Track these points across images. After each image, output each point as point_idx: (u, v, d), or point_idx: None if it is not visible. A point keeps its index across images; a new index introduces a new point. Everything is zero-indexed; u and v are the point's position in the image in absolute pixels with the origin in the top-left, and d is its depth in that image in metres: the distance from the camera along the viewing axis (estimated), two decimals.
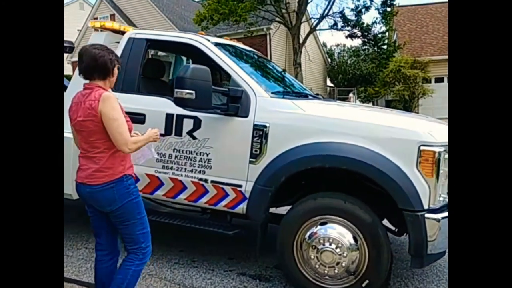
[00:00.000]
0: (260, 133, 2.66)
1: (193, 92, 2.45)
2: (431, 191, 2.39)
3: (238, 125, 2.72)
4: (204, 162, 2.81)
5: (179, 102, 2.50)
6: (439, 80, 18.26)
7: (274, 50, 21.39)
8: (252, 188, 2.69)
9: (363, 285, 2.45)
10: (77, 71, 2.14)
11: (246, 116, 2.70)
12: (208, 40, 3.02)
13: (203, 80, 2.49)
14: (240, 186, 2.74)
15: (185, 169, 2.86)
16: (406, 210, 2.37)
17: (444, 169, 2.42)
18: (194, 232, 3.06)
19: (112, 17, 22.71)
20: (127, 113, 2.96)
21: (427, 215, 2.36)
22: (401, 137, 2.44)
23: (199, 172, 2.83)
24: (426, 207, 2.38)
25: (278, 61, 21.34)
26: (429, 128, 2.52)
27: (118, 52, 3.11)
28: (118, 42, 3.18)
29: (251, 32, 15.72)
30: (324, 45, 30.71)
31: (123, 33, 3.21)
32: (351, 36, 15.71)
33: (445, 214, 2.42)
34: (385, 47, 16.03)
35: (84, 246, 3.32)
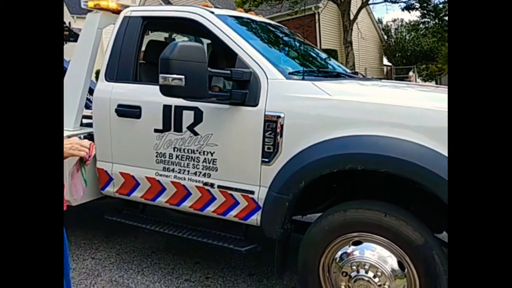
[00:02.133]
0: (274, 125, 2.09)
1: (182, 77, 1.93)
2: None
3: (246, 116, 2.16)
4: (209, 163, 2.30)
5: (166, 90, 1.99)
6: None
7: (323, 29, 20.31)
8: (266, 195, 2.14)
9: None
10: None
11: (256, 105, 2.14)
12: (212, 13, 2.47)
13: (195, 61, 1.96)
14: (252, 192, 2.20)
15: (188, 171, 2.38)
16: None
17: None
18: (216, 247, 2.59)
19: None
20: (121, 106, 2.58)
21: None
22: None
23: (204, 175, 2.33)
24: None
25: (329, 42, 20.25)
26: None
27: (113, 35, 2.70)
28: None
29: (295, 11, 14.82)
30: (379, 21, 28.70)
31: (119, 12, 2.77)
32: (408, 8, 14.22)
33: None
34: (447, 18, 14.31)
35: (91, 255, 3.00)
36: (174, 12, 2.67)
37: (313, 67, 2.69)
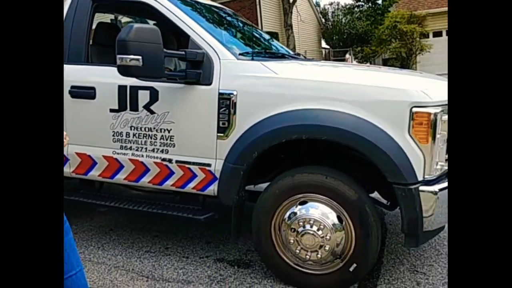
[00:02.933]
0: (227, 102, 2.28)
1: (140, 57, 2.05)
2: (426, 159, 2.04)
3: (201, 94, 2.33)
4: (166, 139, 2.45)
5: (124, 70, 2.09)
6: (437, 34, 17.55)
7: (264, 12, 20.50)
8: (222, 166, 2.34)
9: (351, 269, 2.16)
10: None
11: (210, 84, 2.31)
12: None
13: (151, 43, 2.08)
14: (208, 165, 2.39)
15: (146, 148, 2.50)
16: (397, 183, 2.03)
17: (442, 133, 2.07)
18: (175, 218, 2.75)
19: None
20: (74, 87, 2.61)
21: (421, 187, 2.03)
22: (389, 98, 2.06)
23: (162, 151, 2.47)
24: (420, 178, 2.04)
25: (270, 24, 20.51)
26: (424, 86, 2.14)
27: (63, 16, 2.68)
28: None
29: None
30: (317, 4, 29.51)
31: None
32: None
33: (444, 184, 2.09)
34: (379, 2, 15.23)
35: (88, 258, 2.86)
36: None
37: (260, 48, 2.90)
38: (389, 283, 2.32)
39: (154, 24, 3.25)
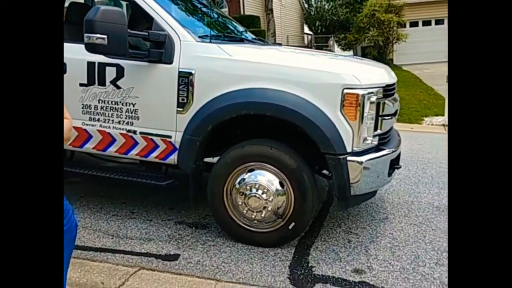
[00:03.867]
0: (186, 80, 2.55)
1: (105, 36, 2.28)
2: (355, 134, 2.38)
3: (163, 72, 2.59)
4: (131, 113, 2.70)
5: (91, 48, 2.33)
6: (413, 24, 18.01)
7: None
8: (182, 138, 2.63)
9: (290, 227, 2.50)
10: None
11: (171, 63, 2.57)
12: None
13: (116, 23, 2.31)
14: (169, 136, 2.67)
15: (113, 120, 2.75)
16: (329, 154, 2.36)
17: (370, 111, 2.40)
18: (140, 184, 3.04)
19: None
20: None
21: (349, 158, 2.37)
22: (325, 80, 2.38)
23: (127, 123, 2.73)
24: (349, 150, 2.38)
25: (252, 8, 20.52)
26: (354, 70, 2.46)
27: None
28: None
29: None
30: None
31: None
32: None
33: (370, 156, 2.44)
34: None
35: None
36: None
37: (221, 33, 3.16)
38: (324, 241, 2.68)
39: (126, 6, 3.46)
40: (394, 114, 2.78)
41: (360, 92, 2.34)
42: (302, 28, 28.50)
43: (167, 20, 2.63)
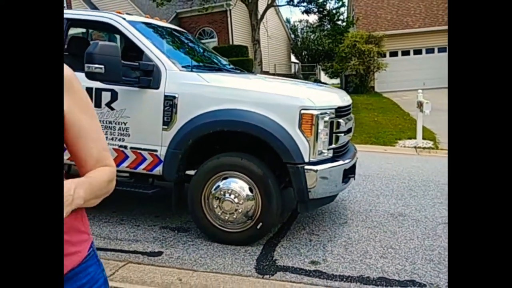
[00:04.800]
0: (170, 102, 3.02)
1: (102, 66, 2.76)
2: (311, 147, 2.85)
3: (151, 96, 3.06)
4: (123, 130, 3.15)
5: (90, 76, 2.81)
6: (393, 54, 19.00)
7: (235, 26, 21.47)
8: (166, 152, 3.07)
9: (258, 227, 2.92)
10: None
11: (158, 88, 3.05)
12: (124, 19, 3.30)
13: (111, 56, 2.80)
14: (155, 150, 3.11)
15: (107, 137, 3.19)
16: (289, 163, 2.83)
17: (324, 128, 2.89)
18: (129, 195, 3.46)
19: None
20: None
21: (306, 167, 2.83)
22: (286, 102, 2.87)
23: (119, 139, 3.17)
24: (306, 160, 2.85)
25: (240, 38, 21.49)
26: (310, 94, 2.96)
27: None
28: None
29: (205, 8, 15.73)
30: (288, 21, 30.95)
31: None
32: (307, 12, 16.03)
33: (325, 166, 2.91)
34: (339, 23, 16.47)
35: None
36: (93, 16, 3.43)
37: (201, 63, 3.67)
38: (289, 240, 3.10)
39: (120, 39, 3.98)
40: (348, 132, 3.26)
41: (315, 112, 2.83)
42: (289, 57, 29.63)
43: (155, 52, 3.13)
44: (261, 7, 16.97)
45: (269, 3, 16.78)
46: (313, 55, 29.88)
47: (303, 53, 30.68)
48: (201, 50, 4.13)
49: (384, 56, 18.37)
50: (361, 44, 16.92)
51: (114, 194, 3.25)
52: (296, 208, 3.08)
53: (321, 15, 16.41)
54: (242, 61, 18.53)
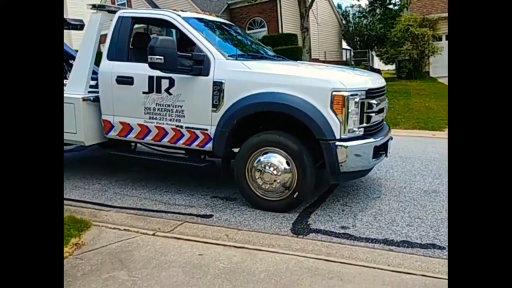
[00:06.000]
0: (218, 88, 3.48)
1: (162, 57, 3.28)
2: (342, 125, 3.17)
3: (202, 82, 3.54)
4: (179, 112, 3.67)
5: (152, 65, 3.34)
6: None
7: (285, 15, 21.64)
8: (215, 130, 3.54)
9: (294, 196, 3.31)
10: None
11: (208, 75, 3.52)
12: (179, 15, 3.81)
13: (169, 48, 3.31)
14: (206, 130, 3.60)
15: (166, 118, 3.74)
16: (321, 139, 3.17)
17: (354, 109, 3.19)
18: (184, 170, 4.01)
19: None
20: (119, 76, 3.87)
21: (337, 143, 3.16)
22: (319, 85, 3.21)
23: (176, 120, 3.70)
24: (338, 137, 3.17)
25: (290, 26, 21.62)
26: (342, 78, 3.26)
27: (111, 29, 3.97)
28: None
29: None
30: (339, 6, 30.42)
31: (114, 12, 4.04)
32: None
33: (355, 142, 3.21)
34: (391, 6, 16.03)
35: (97, 182, 4.33)
36: (153, 14, 4.00)
37: (246, 52, 4.09)
38: (323, 210, 3.46)
39: (175, 32, 4.52)
40: (379, 112, 3.51)
41: (345, 94, 3.14)
42: (340, 44, 29.15)
43: (205, 44, 3.60)
44: None
45: None
46: (365, 41, 29.15)
47: (355, 39, 30.03)
48: (246, 41, 4.55)
49: (440, 39, 17.59)
50: (414, 28, 16.37)
51: (172, 168, 3.84)
52: (332, 186, 3.39)
53: (372, 0, 16.07)
54: (292, 49, 18.74)
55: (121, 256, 2.53)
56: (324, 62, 22.61)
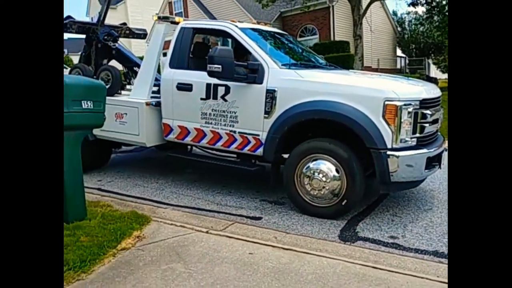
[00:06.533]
0: (271, 95, 3.63)
1: (220, 66, 3.49)
2: (394, 135, 3.17)
3: (256, 90, 3.70)
4: (233, 118, 3.86)
5: (211, 74, 3.56)
6: None
7: (337, 22, 21.46)
8: (266, 136, 3.69)
9: (343, 203, 3.35)
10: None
11: (261, 83, 3.67)
12: (236, 26, 4.01)
13: (227, 58, 3.52)
14: (258, 135, 3.75)
15: (220, 123, 3.95)
16: (372, 148, 3.19)
17: (407, 119, 3.18)
18: (235, 173, 4.20)
19: (185, 0, 24.61)
20: (180, 83, 4.15)
21: (389, 152, 3.16)
22: (371, 94, 3.24)
23: (230, 125, 3.89)
24: (389, 146, 3.18)
25: (342, 34, 21.41)
26: (395, 87, 3.26)
27: (173, 39, 4.27)
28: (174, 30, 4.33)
29: (307, 7, 16.22)
30: (394, 13, 29.55)
31: (177, 23, 4.34)
32: (414, 4, 15.34)
33: (407, 152, 3.20)
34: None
35: (155, 181, 4.64)
36: (213, 25, 4.24)
37: (299, 61, 4.20)
38: (372, 218, 3.46)
39: (231, 42, 4.75)
40: (434, 122, 3.46)
41: (398, 103, 3.14)
42: (395, 51, 28.26)
43: (260, 53, 3.77)
44: (365, 1, 16.78)
45: None
46: (421, 48, 28.02)
47: (411, 47, 28.95)
48: (300, 50, 4.67)
49: None
50: None
51: (224, 172, 4.05)
52: (382, 196, 3.38)
53: (429, 7, 15.52)
54: (343, 56, 18.54)
55: (178, 250, 2.73)
56: (377, 70, 22.08)
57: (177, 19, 4.42)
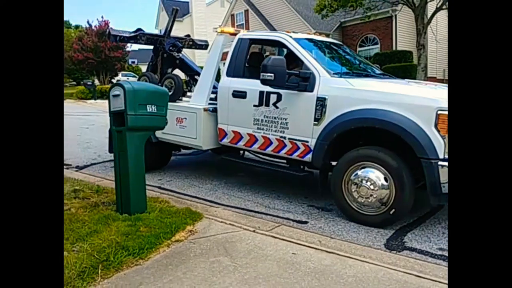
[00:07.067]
0: (321, 103, 3.72)
1: (272, 75, 3.67)
2: (446, 145, 3.11)
3: (306, 97, 3.82)
4: (284, 124, 4.01)
5: (264, 82, 3.75)
6: None
7: (400, 32, 20.83)
8: (315, 143, 3.78)
9: (391, 212, 3.33)
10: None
11: (312, 91, 3.78)
12: (290, 37, 4.18)
13: (279, 66, 3.68)
14: (307, 141, 3.85)
15: (271, 129, 4.11)
16: (423, 158, 3.15)
17: None
18: (284, 178, 4.33)
19: (246, 12, 25.44)
20: (235, 91, 4.39)
21: (440, 162, 3.10)
22: (423, 103, 3.20)
23: (280, 131, 4.04)
24: (441, 157, 3.11)
25: (405, 43, 20.72)
26: (447, 96, 3.19)
27: (231, 49, 4.54)
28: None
29: (368, 16, 15.96)
30: None
31: (235, 34, 4.61)
32: None
33: None
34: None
35: (210, 182, 4.91)
36: (268, 36, 4.45)
37: (351, 70, 4.24)
38: (421, 229, 3.38)
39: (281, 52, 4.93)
40: None
41: None
42: None
43: (312, 62, 3.89)
44: (430, 10, 16.12)
45: (438, 6, 15.80)
46: None
47: None
48: (354, 60, 4.71)
49: None
50: None
51: (273, 176, 4.21)
52: (434, 208, 3.30)
53: None
54: (405, 66, 17.93)
55: (225, 245, 2.92)
56: (442, 81, 20.99)
57: (234, 30, 4.69)
